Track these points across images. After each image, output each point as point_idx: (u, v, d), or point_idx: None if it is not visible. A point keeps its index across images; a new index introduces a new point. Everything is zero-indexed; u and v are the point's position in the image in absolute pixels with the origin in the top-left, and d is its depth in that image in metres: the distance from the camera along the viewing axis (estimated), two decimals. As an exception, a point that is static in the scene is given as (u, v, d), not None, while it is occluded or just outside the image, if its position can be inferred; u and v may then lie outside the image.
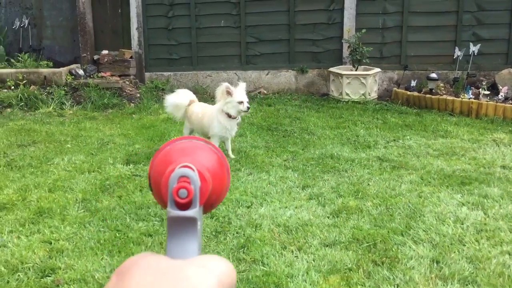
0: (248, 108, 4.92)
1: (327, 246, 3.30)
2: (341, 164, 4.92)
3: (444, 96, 7.12)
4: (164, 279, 0.53)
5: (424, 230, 3.47)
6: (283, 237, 3.44)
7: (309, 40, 8.53)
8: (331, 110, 7.22)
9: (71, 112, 7.30)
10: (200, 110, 5.17)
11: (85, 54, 8.84)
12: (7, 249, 3.33)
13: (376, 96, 7.91)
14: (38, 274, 3.04)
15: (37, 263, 3.15)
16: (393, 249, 3.22)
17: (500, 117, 6.49)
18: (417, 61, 8.17)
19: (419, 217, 3.69)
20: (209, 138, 5.10)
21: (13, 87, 7.79)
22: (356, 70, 7.89)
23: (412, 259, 3.09)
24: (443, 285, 2.83)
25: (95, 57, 8.84)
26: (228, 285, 0.57)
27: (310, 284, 2.87)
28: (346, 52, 8.19)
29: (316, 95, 8.38)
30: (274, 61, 8.66)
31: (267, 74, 8.66)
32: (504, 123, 6.32)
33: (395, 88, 7.94)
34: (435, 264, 3.03)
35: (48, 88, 7.88)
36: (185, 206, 0.69)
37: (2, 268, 3.09)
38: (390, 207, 3.89)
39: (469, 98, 6.93)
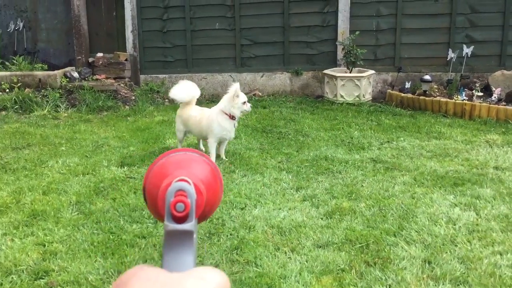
0: (250, 107, 5.16)
1: (320, 247, 3.32)
2: (335, 166, 4.94)
3: (438, 98, 7.16)
4: None
5: (416, 231, 3.49)
6: (277, 238, 3.46)
7: (304, 42, 8.57)
8: (326, 112, 7.25)
9: (65, 114, 7.30)
10: (198, 113, 5.18)
11: (80, 57, 8.84)
12: (1, 251, 3.33)
13: (370, 98, 7.94)
14: (31, 277, 3.05)
15: (30, 266, 3.16)
16: (386, 250, 3.24)
17: (493, 119, 6.53)
18: (411, 63, 8.21)
19: (412, 218, 3.71)
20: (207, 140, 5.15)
21: (7, 90, 7.79)
22: (350, 72, 7.93)
23: (404, 259, 3.11)
24: (435, 285, 2.85)
25: (90, 59, 8.85)
26: None
27: (303, 285, 2.89)
28: (340, 54, 8.23)
29: (311, 97, 8.41)
30: (269, 63, 8.69)
31: (262, 76, 8.68)
32: (497, 124, 6.36)
33: (389, 90, 7.97)
34: (427, 265, 3.06)
35: (43, 91, 7.88)
36: (181, 220, 0.70)
37: (-4, 271, 3.09)
38: (383, 208, 3.91)
39: (463, 100, 6.97)
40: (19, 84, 7.83)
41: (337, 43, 8.24)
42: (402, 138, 5.87)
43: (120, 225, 3.68)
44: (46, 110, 7.37)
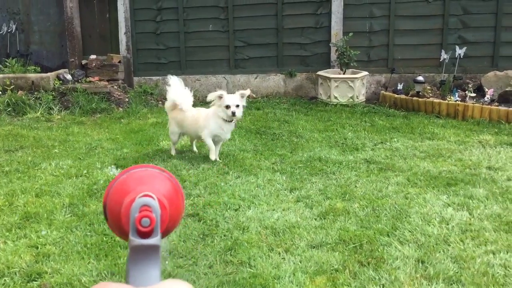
0: (233, 113, 4.94)
1: (314, 247, 3.32)
2: (329, 167, 4.95)
3: (431, 99, 7.19)
4: None
5: (409, 231, 3.50)
6: (270, 239, 3.46)
7: (297, 44, 8.58)
8: (320, 113, 7.26)
9: (59, 117, 7.28)
10: (195, 113, 5.19)
11: (73, 59, 8.82)
12: (-7, 254, 3.31)
13: (364, 99, 7.96)
14: (24, 279, 3.03)
15: (23, 268, 3.14)
16: (379, 250, 3.25)
17: (486, 119, 6.56)
18: (404, 64, 8.24)
19: (405, 218, 3.72)
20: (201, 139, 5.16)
21: (0, 93, 7.75)
22: (344, 74, 7.95)
23: (397, 259, 3.12)
24: (428, 284, 2.86)
25: (83, 62, 8.83)
26: None
27: (297, 286, 2.89)
28: (334, 55, 8.25)
29: (305, 98, 8.42)
30: (263, 65, 8.69)
31: (255, 78, 8.69)
32: (489, 125, 6.39)
33: (382, 91, 8.00)
34: (420, 264, 3.07)
35: (36, 93, 7.85)
36: (147, 234, 0.70)
37: (-12, 273, 3.07)
38: (377, 208, 3.92)
39: (456, 101, 7.01)
40: (12, 87, 7.79)
41: (330, 44, 8.26)
42: (395, 139, 5.88)
43: (113, 227, 3.67)
44: (39, 112, 7.34)
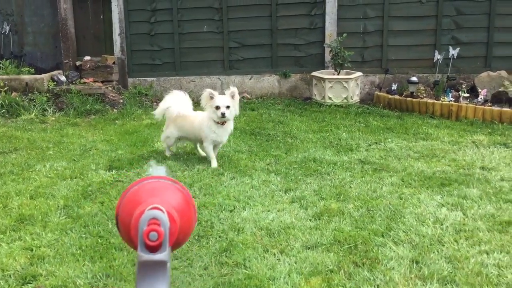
0: (223, 114, 4.86)
1: (308, 248, 3.33)
2: (324, 167, 4.96)
3: (425, 99, 7.22)
4: None
5: (404, 231, 3.52)
6: (266, 240, 3.47)
7: (292, 44, 8.60)
8: (314, 114, 7.28)
9: (53, 118, 7.25)
10: (194, 116, 5.18)
11: (67, 60, 8.79)
12: (-12, 257, 3.30)
13: (358, 100, 7.98)
14: (19, 281, 3.02)
15: (18, 270, 3.13)
16: (374, 250, 3.26)
17: (480, 119, 6.60)
18: (398, 64, 8.28)
19: (400, 218, 3.74)
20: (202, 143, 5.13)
21: (-6, 94, 7.72)
22: (338, 74, 7.97)
23: (392, 259, 3.13)
24: (423, 285, 2.87)
25: (77, 63, 8.80)
26: None
27: (292, 286, 2.90)
28: (328, 56, 8.27)
29: (299, 99, 8.44)
30: (257, 65, 8.70)
31: (250, 79, 8.70)
32: (483, 125, 6.43)
33: (376, 92, 8.03)
34: (414, 264, 3.08)
35: (30, 94, 7.82)
36: (155, 249, 0.69)
37: (-18, 276, 3.06)
38: (371, 209, 3.94)
39: (449, 101, 7.04)
40: (5, 88, 7.76)
41: (324, 45, 8.28)
42: (389, 139, 5.91)
43: (108, 228, 3.67)
44: (33, 114, 7.32)
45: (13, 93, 7.81)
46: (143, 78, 8.84)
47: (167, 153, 5.39)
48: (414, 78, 7.56)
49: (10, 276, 3.07)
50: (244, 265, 3.13)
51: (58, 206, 4.10)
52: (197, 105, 5.52)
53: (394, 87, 7.78)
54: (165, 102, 5.32)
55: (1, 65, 8.38)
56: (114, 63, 8.64)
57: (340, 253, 3.25)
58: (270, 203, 4.12)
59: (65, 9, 8.77)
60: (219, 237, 3.53)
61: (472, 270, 3.00)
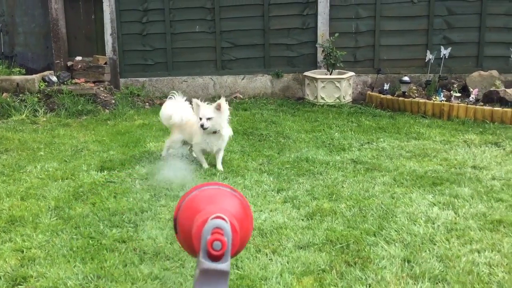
0: (202, 126, 4.76)
1: (301, 248, 3.33)
2: (316, 167, 4.96)
3: (417, 99, 7.25)
4: None
5: (396, 230, 3.52)
6: (258, 240, 3.46)
7: (284, 44, 8.60)
8: (307, 114, 7.28)
9: (44, 119, 7.21)
10: (193, 120, 5.15)
11: (58, 61, 8.75)
12: (-23, 258, 3.27)
13: (351, 100, 8.00)
14: (9, 283, 3.00)
15: (8, 272, 3.10)
16: (366, 250, 3.26)
17: (471, 119, 6.63)
18: (390, 64, 8.30)
19: (391, 217, 3.74)
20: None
21: (-16, 95, 7.67)
22: (330, 74, 7.98)
23: (384, 259, 3.14)
24: (414, 284, 2.88)
25: (69, 63, 8.76)
26: None
27: (284, 286, 2.89)
28: (320, 56, 8.28)
29: (292, 99, 8.44)
30: (250, 65, 8.70)
31: (242, 79, 8.69)
32: (474, 124, 6.46)
33: (369, 92, 8.05)
34: (406, 264, 3.09)
35: (21, 95, 7.78)
36: (217, 258, 0.68)
37: (-28, 278, 3.04)
38: (363, 208, 3.94)
39: (441, 101, 7.07)
40: (-4, 89, 7.71)
41: (317, 45, 8.29)
42: (382, 139, 5.92)
43: (99, 229, 3.65)
44: (24, 114, 7.28)
45: (4, 94, 7.76)
46: (135, 79, 8.81)
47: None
48: (406, 78, 7.59)
49: (0, 278, 3.04)
50: (236, 265, 3.12)
51: (49, 207, 4.07)
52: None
53: (386, 87, 7.80)
54: (166, 109, 5.25)
55: (-9, 66, 8.33)
56: (105, 63, 8.60)
57: (332, 253, 3.25)
58: (263, 203, 4.12)
59: (56, 9, 8.72)
60: (211, 237, 3.51)
61: (464, 268, 3.01)
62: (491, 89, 7.12)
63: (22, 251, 3.37)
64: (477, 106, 6.73)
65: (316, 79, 7.81)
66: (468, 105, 6.78)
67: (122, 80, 8.82)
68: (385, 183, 4.49)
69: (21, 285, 2.99)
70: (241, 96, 8.59)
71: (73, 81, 8.42)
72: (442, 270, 3.01)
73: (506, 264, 3.06)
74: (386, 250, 3.25)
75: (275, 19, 8.53)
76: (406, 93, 7.49)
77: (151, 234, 3.56)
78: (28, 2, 9.11)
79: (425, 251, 3.23)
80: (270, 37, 8.59)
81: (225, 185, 0.76)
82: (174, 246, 3.39)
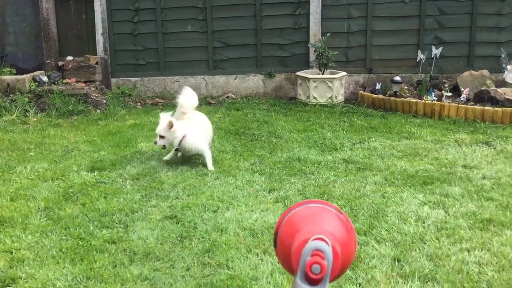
0: (155, 143, 4.99)
1: (291, 248, 3.32)
2: (308, 167, 4.96)
3: (408, 99, 7.27)
4: None
5: (386, 230, 3.53)
6: (249, 240, 3.45)
7: (276, 44, 8.59)
8: (299, 114, 7.28)
9: (35, 119, 7.16)
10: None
11: (49, 61, 8.69)
12: (-35, 260, 3.24)
13: (343, 99, 8.01)
14: (-3, 285, 2.98)
15: (-4, 274, 3.08)
16: (356, 249, 3.26)
17: (462, 118, 6.65)
18: (382, 64, 8.32)
19: (382, 217, 3.75)
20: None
21: (-26, 95, 7.60)
22: (322, 74, 7.98)
23: (374, 258, 3.14)
24: (404, 283, 2.88)
25: (60, 63, 8.71)
26: None
27: (274, 286, 2.89)
28: (312, 56, 8.28)
29: (284, 99, 8.44)
30: (242, 65, 8.69)
31: (235, 79, 8.68)
32: (465, 124, 6.48)
33: (361, 91, 8.06)
34: (396, 263, 3.09)
35: (11, 95, 7.72)
36: (315, 282, 0.65)
37: (-40, 280, 3.01)
38: (355, 207, 3.95)
39: (432, 100, 7.09)
40: (-14, 89, 7.65)
41: (309, 45, 8.29)
42: (373, 139, 5.93)
43: (89, 230, 3.63)
44: (15, 115, 7.22)
45: (-6, 94, 7.70)
46: (127, 78, 8.77)
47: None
48: (397, 78, 7.61)
49: (-12, 280, 3.02)
50: (226, 266, 3.12)
51: (39, 208, 4.05)
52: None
53: (378, 86, 7.82)
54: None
55: (-18, 66, 8.26)
56: (97, 63, 8.56)
57: (323, 253, 3.24)
58: (254, 203, 4.11)
59: (47, 9, 8.67)
60: (202, 237, 3.51)
61: (453, 267, 3.02)
62: (482, 88, 7.15)
63: (11, 252, 3.35)
64: (468, 106, 6.76)
65: (308, 79, 7.82)
66: (459, 105, 6.81)
67: (113, 80, 8.78)
68: (376, 183, 4.49)
69: (10, 286, 2.98)
70: (233, 96, 8.58)
71: (64, 81, 8.37)
72: (432, 269, 3.02)
73: (496, 263, 3.07)
74: (376, 249, 3.25)
75: (267, 19, 8.53)
76: (397, 93, 7.51)
77: (142, 234, 3.55)
78: (19, 2, 9.04)
79: (415, 250, 3.24)
80: (262, 36, 8.58)
81: (331, 204, 0.74)
82: (164, 246, 3.38)
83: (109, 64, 8.75)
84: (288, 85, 8.60)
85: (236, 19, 8.55)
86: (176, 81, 8.70)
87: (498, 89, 6.92)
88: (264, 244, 3.38)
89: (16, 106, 7.42)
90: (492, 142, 5.65)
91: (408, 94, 7.53)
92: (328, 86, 7.77)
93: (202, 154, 5.10)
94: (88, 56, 8.58)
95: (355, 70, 8.42)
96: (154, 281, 2.98)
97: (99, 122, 7.09)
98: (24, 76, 8.04)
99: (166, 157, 5.26)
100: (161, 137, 4.92)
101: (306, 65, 8.50)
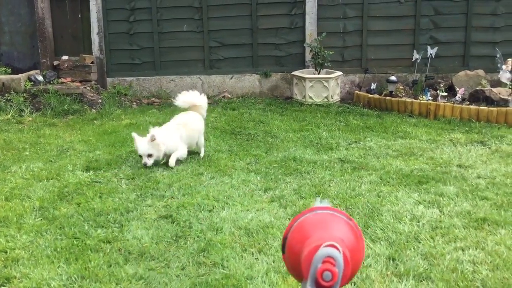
0: (145, 164, 4.90)
1: (287, 247, 3.32)
2: (304, 166, 4.97)
3: (404, 98, 7.28)
4: None
5: (381, 229, 3.53)
6: (244, 239, 3.45)
7: (272, 44, 8.60)
8: (295, 113, 7.29)
9: (30, 119, 7.14)
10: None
11: (44, 60, 8.67)
12: (-40, 260, 3.23)
13: (339, 99, 8.02)
14: (-8, 285, 2.97)
15: (-9, 274, 3.07)
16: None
17: (457, 118, 6.67)
18: (377, 64, 8.33)
19: (377, 216, 3.76)
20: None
21: (-31, 94, 7.58)
22: (318, 74, 7.99)
23: (369, 257, 3.15)
24: (399, 281, 2.89)
25: (55, 62, 8.69)
26: None
27: (269, 285, 2.89)
28: (308, 56, 8.29)
29: (280, 98, 8.45)
30: (238, 65, 8.69)
31: (231, 78, 8.68)
32: (460, 123, 6.50)
33: (356, 91, 8.07)
34: (391, 262, 3.10)
35: (6, 95, 7.70)
36: None
37: (-46, 280, 3.00)
38: (350, 207, 3.95)
39: (428, 100, 7.11)
40: (-19, 88, 7.63)
41: (305, 45, 8.30)
42: (369, 138, 5.94)
43: (84, 230, 3.62)
44: (10, 114, 7.20)
45: (-11, 93, 7.67)
46: (122, 78, 8.76)
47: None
48: (393, 78, 7.63)
49: (-18, 279, 3.01)
50: (221, 265, 3.12)
51: (34, 208, 4.04)
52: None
53: (373, 86, 7.83)
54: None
55: (-24, 65, 8.23)
56: (92, 62, 8.54)
57: (318, 252, 3.25)
58: (250, 202, 4.11)
59: (43, 8, 8.64)
60: (197, 237, 3.51)
61: (448, 266, 3.03)
62: (477, 88, 7.17)
63: (6, 252, 3.34)
64: (463, 105, 6.78)
65: (304, 79, 7.82)
66: (454, 104, 6.83)
67: (109, 80, 8.77)
68: (372, 182, 4.50)
69: (4, 286, 2.96)
70: (229, 96, 8.58)
71: (59, 80, 8.35)
72: (426, 268, 3.02)
73: (490, 262, 3.08)
74: (371, 249, 3.26)
75: (263, 19, 8.53)
76: (393, 93, 7.53)
77: (137, 234, 3.54)
78: (14, 1, 9.01)
79: (410, 249, 3.25)
80: (258, 36, 8.58)
81: (340, 211, 0.74)
82: (159, 246, 3.38)
83: (105, 64, 8.73)
84: (284, 84, 8.60)
85: (232, 18, 8.55)
86: (172, 81, 8.69)
87: (493, 89, 6.94)
88: (259, 244, 3.38)
89: (11, 105, 7.40)
90: (487, 142, 5.67)
91: (403, 94, 7.55)
92: (324, 86, 7.77)
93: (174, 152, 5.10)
94: (83, 55, 8.56)
95: (351, 70, 8.44)
96: (149, 280, 2.97)
97: (95, 121, 7.07)
98: (20, 75, 8.02)
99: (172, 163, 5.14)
100: (149, 155, 4.90)
101: (302, 65, 8.50)
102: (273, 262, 3.13)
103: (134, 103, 8.29)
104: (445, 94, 7.30)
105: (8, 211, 3.97)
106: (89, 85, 8.29)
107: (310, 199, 4.13)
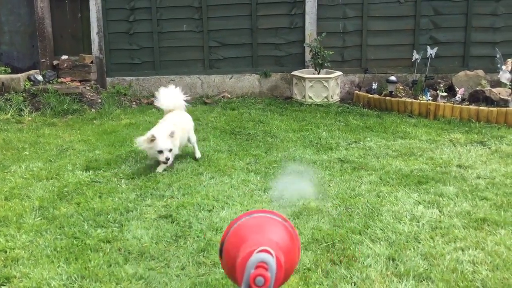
0: (167, 159, 4.73)
1: (286, 247, 3.32)
2: (303, 167, 4.96)
3: (404, 98, 7.28)
4: None
5: (381, 229, 3.53)
6: (244, 239, 3.45)
7: (272, 44, 8.59)
8: (294, 113, 7.28)
9: (29, 118, 7.14)
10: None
11: (44, 60, 8.67)
12: (-41, 259, 3.23)
13: (338, 99, 8.02)
14: (-9, 284, 2.96)
15: (-10, 273, 3.07)
16: (351, 248, 3.27)
17: (457, 118, 6.67)
18: (377, 64, 8.33)
19: (377, 216, 3.76)
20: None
21: (-32, 94, 7.57)
22: (318, 74, 7.99)
23: (369, 257, 3.15)
24: (399, 281, 2.89)
25: (55, 62, 8.68)
26: None
27: (269, 285, 2.89)
28: (308, 56, 8.29)
29: (280, 98, 8.44)
30: (238, 65, 8.68)
31: (230, 78, 8.67)
32: (460, 123, 6.50)
33: (356, 91, 8.07)
34: (391, 262, 3.10)
35: (6, 94, 7.70)
36: None
37: (-47, 280, 2.99)
38: (350, 207, 3.95)
39: (427, 100, 7.11)
40: (-20, 88, 7.62)
41: (304, 45, 8.30)
42: (369, 138, 5.94)
43: (84, 229, 3.62)
44: (10, 114, 7.19)
45: (-11, 93, 7.67)
46: (122, 78, 8.76)
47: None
48: (393, 78, 7.62)
49: (-18, 279, 3.00)
50: (220, 265, 3.11)
51: (33, 207, 4.03)
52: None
53: (373, 86, 7.83)
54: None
55: (-24, 65, 8.23)
56: (92, 62, 8.54)
57: (318, 252, 3.25)
58: (249, 202, 4.11)
59: (42, 8, 8.64)
60: (197, 237, 3.51)
61: (448, 266, 3.03)
62: (477, 88, 7.17)
63: (6, 252, 3.33)
64: (463, 106, 6.78)
65: (304, 79, 7.82)
66: (454, 105, 6.83)
67: (108, 79, 8.77)
68: (371, 182, 4.50)
69: (4, 285, 2.96)
70: (229, 96, 8.57)
71: (59, 80, 8.34)
72: (426, 268, 3.02)
73: (490, 262, 3.08)
74: (371, 249, 3.26)
75: (263, 19, 8.53)
76: (393, 93, 7.53)
77: (136, 234, 3.54)
78: (14, 1, 9.01)
79: (410, 249, 3.25)
80: (258, 36, 8.58)
81: (276, 213, 0.74)
82: (159, 246, 3.37)
83: (104, 63, 8.72)
84: (283, 84, 8.60)
85: (232, 18, 8.54)
86: (172, 81, 8.68)
87: (493, 89, 6.95)
88: (259, 243, 3.37)
89: (10, 105, 7.39)
90: (486, 142, 5.67)
91: (403, 94, 7.55)
92: (324, 86, 7.77)
93: None
94: (83, 55, 8.56)
95: (351, 70, 8.43)
96: (149, 280, 2.97)
97: (94, 121, 7.07)
98: (19, 75, 8.01)
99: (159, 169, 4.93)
100: (170, 150, 4.76)
101: (302, 65, 8.50)
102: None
103: (134, 103, 8.29)
104: (445, 94, 7.31)
105: (7, 210, 3.97)
106: (88, 84, 8.29)
107: (310, 199, 4.13)
